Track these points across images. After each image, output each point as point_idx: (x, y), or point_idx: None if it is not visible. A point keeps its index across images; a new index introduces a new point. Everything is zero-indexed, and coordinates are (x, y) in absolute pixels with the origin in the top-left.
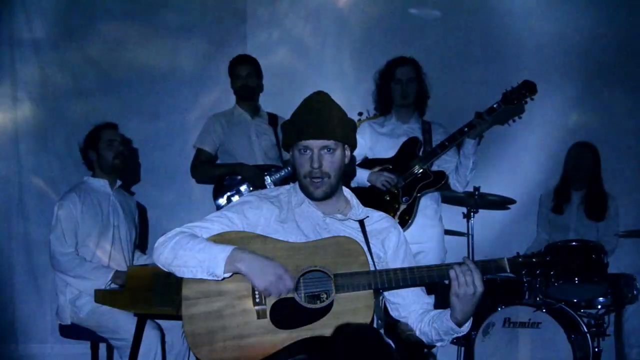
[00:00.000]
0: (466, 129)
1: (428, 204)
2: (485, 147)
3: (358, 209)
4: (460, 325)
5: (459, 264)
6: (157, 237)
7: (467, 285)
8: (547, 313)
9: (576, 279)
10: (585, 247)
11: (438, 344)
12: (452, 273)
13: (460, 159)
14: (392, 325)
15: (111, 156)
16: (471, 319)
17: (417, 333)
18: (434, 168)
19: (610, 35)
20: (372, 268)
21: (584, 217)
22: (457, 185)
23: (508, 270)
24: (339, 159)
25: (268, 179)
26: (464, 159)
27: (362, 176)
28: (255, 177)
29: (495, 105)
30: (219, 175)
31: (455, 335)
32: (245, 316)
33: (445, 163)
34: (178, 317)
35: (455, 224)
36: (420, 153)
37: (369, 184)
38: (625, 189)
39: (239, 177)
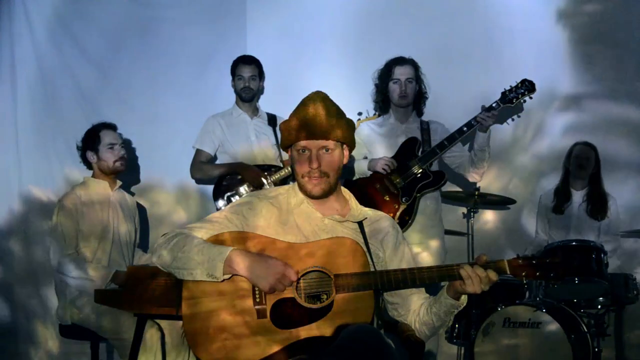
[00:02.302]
0: (465, 128)
1: (428, 204)
2: None
3: (357, 210)
4: (458, 299)
5: (471, 264)
6: (157, 237)
7: (478, 287)
8: (547, 313)
9: (576, 279)
10: (585, 247)
11: (441, 331)
12: (463, 273)
13: (475, 151)
14: (392, 325)
15: (112, 160)
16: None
17: (418, 326)
18: (443, 164)
19: (610, 35)
20: (372, 269)
21: (585, 217)
22: (475, 176)
23: (508, 272)
24: (338, 158)
25: (267, 180)
26: (479, 151)
27: (362, 166)
28: (254, 178)
29: (494, 104)
30: (218, 175)
31: (456, 312)
32: (246, 316)
33: (457, 159)
34: (178, 317)
35: (455, 224)
36: (420, 153)
37: (370, 172)
38: (625, 188)
39: (239, 178)
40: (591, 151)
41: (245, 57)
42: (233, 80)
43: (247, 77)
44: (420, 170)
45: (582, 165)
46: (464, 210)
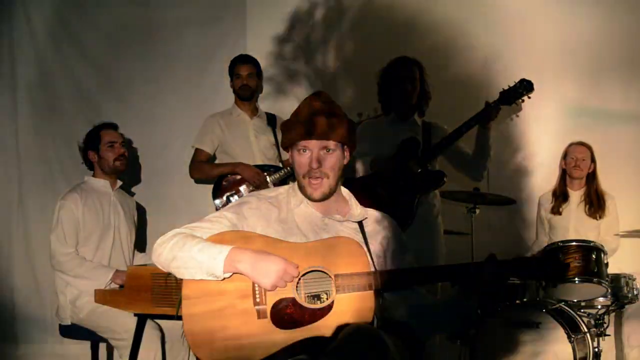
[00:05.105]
0: (464, 129)
1: (427, 204)
2: None
3: (357, 210)
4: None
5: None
6: (157, 238)
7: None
8: (547, 313)
9: (576, 279)
10: (585, 247)
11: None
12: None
13: (478, 148)
14: (392, 325)
15: (112, 158)
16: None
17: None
18: (443, 164)
19: (609, 35)
20: (372, 269)
21: (583, 217)
22: (477, 174)
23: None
24: (339, 159)
25: (267, 179)
26: (481, 149)
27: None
28: (254, 177)
29: (492, 104)
30: (217, 175)
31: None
32: (246, 316)
33: (458, 158)
34: (178, 317)
35: (455, 223)
36: (420, 153)
37: None
38: (625, 189)
39: (238, 177)
40: (587, 150)
41: (242, 56)
42: (231, 79)
43: (245, 75)
44: (420, 170)
45: (578, 165)
46: (464, 210)
